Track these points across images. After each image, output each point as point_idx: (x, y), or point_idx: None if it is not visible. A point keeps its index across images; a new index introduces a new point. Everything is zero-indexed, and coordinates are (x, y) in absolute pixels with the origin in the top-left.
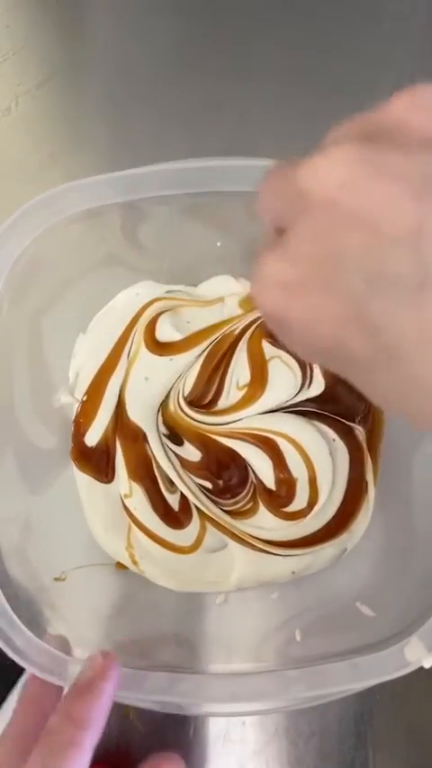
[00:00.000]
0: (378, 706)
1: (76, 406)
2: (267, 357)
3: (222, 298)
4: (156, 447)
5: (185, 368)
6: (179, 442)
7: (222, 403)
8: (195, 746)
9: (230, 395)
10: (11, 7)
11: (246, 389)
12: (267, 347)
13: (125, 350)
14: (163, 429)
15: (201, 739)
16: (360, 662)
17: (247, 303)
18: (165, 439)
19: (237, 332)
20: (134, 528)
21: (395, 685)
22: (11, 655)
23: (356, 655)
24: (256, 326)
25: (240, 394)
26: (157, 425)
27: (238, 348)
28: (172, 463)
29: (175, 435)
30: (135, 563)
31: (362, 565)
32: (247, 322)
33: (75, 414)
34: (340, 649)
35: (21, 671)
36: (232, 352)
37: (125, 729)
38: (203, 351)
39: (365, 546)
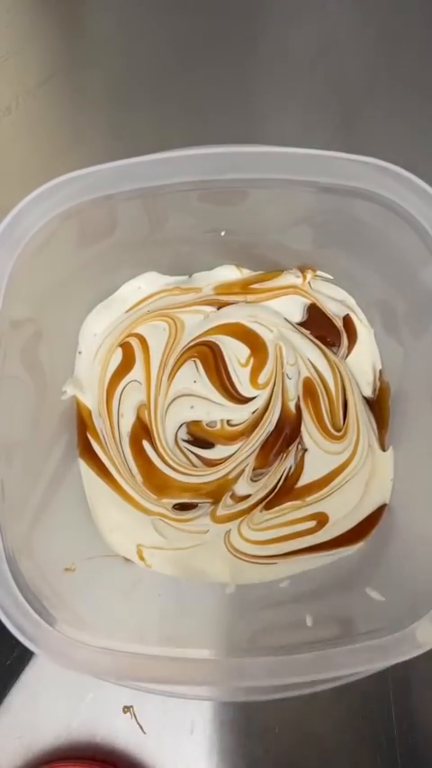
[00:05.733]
0: (378, 705)
1: (82, 400)
2: (245, 322)
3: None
4: (167, 448)
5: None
6: (209, 447)
7: (243, 389)
8: (195, 745)
9: (240, 376)
10: (11, 7)
11: (251, 359)
12: (241, 313)
13: (136, 353)
14: (185, 437)
15: (201, 738)
16: (371, 645)
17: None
18: (185, 444)
19: (210, 327)
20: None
21: (396, 684)
22: (24, 641)
23: (367, 639)
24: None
25: (248, 368)
26: (174, 432)
27: (217, 337)
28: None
29: (203, 441)
30: (142, 559)
31: (370, 551)
32: (214, 309)
33: (80, 408)
34: (351, 634)
35: (21, 671)
36: (218, 347)
37: (126, 729)
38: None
39: (374, 533)
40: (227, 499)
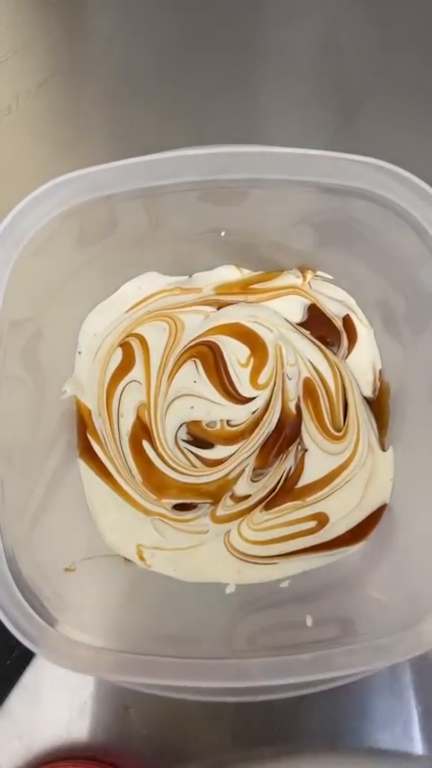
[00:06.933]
0: (378, 705)
1: (82, 400)
2: (245, 322)
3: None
4: (167, 448)
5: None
6: (208, 447)
7: (243, 389)
8: (195, 745)
9: (240, 376)
10: (11, 7)
11: (251, 360)
12: (241, 314)
13: (136, 353)
14: (185, 437)
15: (201, 738)
16: (371, 645)
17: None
18: (185, 444)
19: (210, 327)
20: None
21: (395, 683)
22: (24, 642)
23: (367, 639)
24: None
25: (249, 368)
26: (174, 432)
27: (217, 338)
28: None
29: (203, 441)
30: (142, 559)
31: (370, 551)
32: (214, 309)
33: (80, 408)
34: (351, 634)
35: (21, 671)
36: (219, 348)
37: (126, 729)
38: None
39: (374, 533)
40: (227, 499)
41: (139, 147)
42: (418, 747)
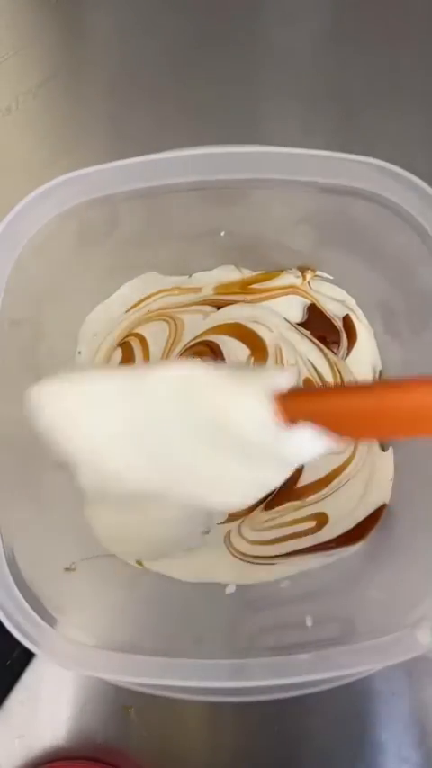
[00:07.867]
0: (378, 704)
1: None
2: (245, 322)
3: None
4: None
5: None
6: None
7: None
8: (195, 744)
9: None
10: (11, 7)
11: (251, 359)
12: (241, 314)
13: (136, 353)
14: None
15: (201, 738)
16: (371, 645)
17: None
18: None
19: (210, 327)
20: None
21: (395, 683)
22: (24, 642)
23: (367, 639)
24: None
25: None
26: None
27: (217, 337)
28: None
29: None
30: (140, 563)
31: (370, 551)
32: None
33: None
34: (351, 634)
35: (21, 671)
36: (218, 347)
37: (126, 729)
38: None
39: (374, 533)
40: None
41: (139, 147)
42: (417, 747)
